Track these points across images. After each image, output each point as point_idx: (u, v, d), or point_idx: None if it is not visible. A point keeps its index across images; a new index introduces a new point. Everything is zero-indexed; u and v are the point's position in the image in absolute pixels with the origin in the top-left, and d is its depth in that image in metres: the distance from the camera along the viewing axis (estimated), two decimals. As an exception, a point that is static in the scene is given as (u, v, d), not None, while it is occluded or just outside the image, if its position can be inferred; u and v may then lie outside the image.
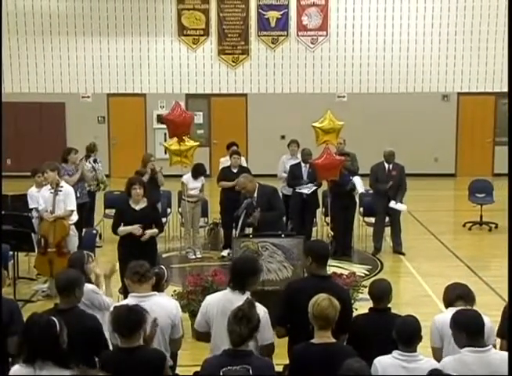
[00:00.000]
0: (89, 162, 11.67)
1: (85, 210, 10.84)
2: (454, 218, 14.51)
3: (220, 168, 11.60)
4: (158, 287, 5.51)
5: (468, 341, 4.49)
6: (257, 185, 8.58)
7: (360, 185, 10.83)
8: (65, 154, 10.88)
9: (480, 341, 4.50)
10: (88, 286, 5.44)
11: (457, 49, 18.45)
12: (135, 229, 7.63)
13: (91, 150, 11.88)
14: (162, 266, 5.92)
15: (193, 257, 11.03)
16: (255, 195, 8.33)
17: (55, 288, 5.13)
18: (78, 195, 10.45)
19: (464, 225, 13.01)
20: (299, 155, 11.43)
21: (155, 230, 7.78)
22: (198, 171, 11.05)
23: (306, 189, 10.88)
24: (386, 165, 11.10)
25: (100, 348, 4.68)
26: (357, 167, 11.37)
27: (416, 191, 14.92)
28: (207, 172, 17.76)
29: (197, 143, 10.80)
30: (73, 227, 8.96)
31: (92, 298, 5.56)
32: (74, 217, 9.08)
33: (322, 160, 10.16)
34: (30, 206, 9.59)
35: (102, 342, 4.80)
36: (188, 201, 10.75)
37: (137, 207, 7.72)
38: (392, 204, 10.91)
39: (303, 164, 11.08)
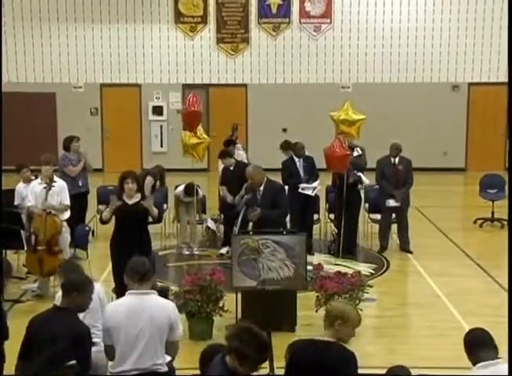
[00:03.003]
0: None
1: (86, 200, 11.19)
2: (464, 215, 14.51)
3: (220, 169, 11.60)
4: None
5: (478, 356, 4.48)
6: (266, 179, 8.60)
7: (365, 179, 10.84)
8: (66, 142, 11.04)
9: (490, 354, 4.49)
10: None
11: (468, 37, 18.43)
12: (115, 204, 7.68)
13: None
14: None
15: (187, 253, 11.06)
16: (261, 188, 8.33)
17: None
18: (81, 184, 10.58)
19: (475, 222, 13.01)
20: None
21: (151, 203, 7.80)
22: (188, 193, 11.08)
23: (310, 190, 10.86)
24: (392, 159, 11.09)
25: (81, 355, 4.71)
26: (365, 162, 11.34)
27: (425, 186, 14.94)
28: (206, 167, 17.87)
29: (208, 140, 10.85)
30: (64, 224, 8.96)
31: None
32: (67, 214, 9.08)
33: (333, 151, 10.25)
34: (15, 202, 9.60)
35: (85, 351, 4.80)
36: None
37: (129, 202, 7.74)
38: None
39: (296, 159, 11.05)
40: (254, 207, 8.51)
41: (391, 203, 11.00)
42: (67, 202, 9.06)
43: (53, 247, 8.72)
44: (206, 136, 10.93)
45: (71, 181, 10.70)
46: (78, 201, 10.58)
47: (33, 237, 8.83)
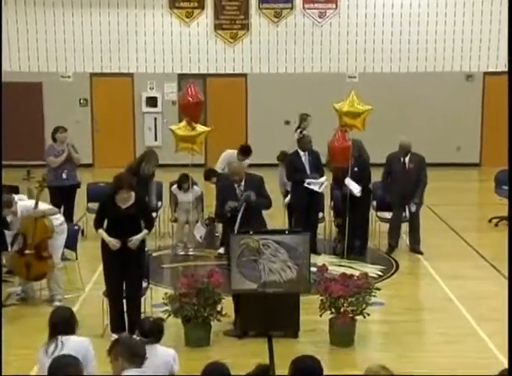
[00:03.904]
0: None
1: (74, 194, 11.42)
2: (478, 213, 14.53)
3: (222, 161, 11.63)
4: None
5: None
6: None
7: (355, 187, 10.72)
8: (53, 133, 11.57)
9: None
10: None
11: (484, 23, 18.39)
12: (113, 243, 7.65)
13: None
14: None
15: (182, 253, 11.07)
16: (242, 183, 8.36)
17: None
18: (65, 176, 10.68)
19: (490, 221, 13.03)
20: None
21: (144, 232, 7.80)
22: (181, 184, 11.14)
23: (317, 186, 10.85)
24: (402, 158, 11.08)
25: None
26: (367, 156, 11.34)
27: (436, 183, 14.90)
28: (203, 162, 17.87)
29: (208, 129, 10.86)
30: (62, 226, 9.00)
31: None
32: (58, 219, 9.07)
33: (333, 143, 10.30)
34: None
35: None
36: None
37: (123, 206, 7.74)
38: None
39: (302, 153, 11.05)
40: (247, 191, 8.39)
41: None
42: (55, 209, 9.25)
43: (42, 251, 8.71)
44: (203, 126, 10.95)
45: (55, 172, 11.18)
46: (63, 194, 10.73)
47: (19, 237, 8.83)
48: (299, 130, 13.56)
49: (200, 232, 10.97)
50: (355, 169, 10.75)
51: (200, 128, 10.63)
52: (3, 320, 7.78)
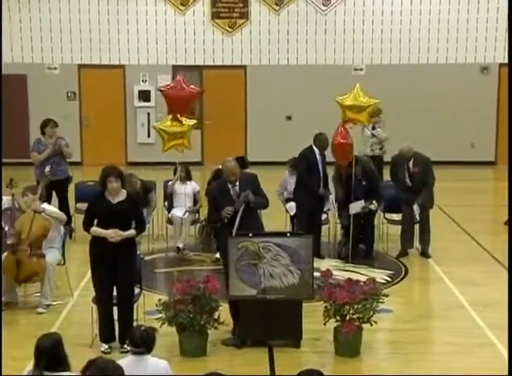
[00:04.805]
0: None
1: (64, 189, 11.80)
2: (493, 215, 14.55)
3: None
4: None
5: None
6: None
7: (356, 209, 10.79)
8: (42, 125, 11.89)
9: None
10: None
11: (500, 10, 18.38)
12: (110, 233, 7.66)
13: None
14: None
15: (175, 254, 11.15)
16: (237, 184, 8.38)
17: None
18: (47, 169, 10.99)
19: (506, 224, 13.04)
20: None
21: (132, 231, 7.81)
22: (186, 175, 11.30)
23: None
24: (405, 163, 11.17)
25: None
26: (376, 175, 11.51)
27: (449, 182, 14.97)
28: (199, 160, 17.90)
29: (195, 122, 10.95)
30: (56, 223, 9.11)
31: None
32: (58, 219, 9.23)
33: (339, 139, 10.40)
34: None
35: None
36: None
37: (114, 200, 7.77)
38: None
39: (317, 151, 11.03)
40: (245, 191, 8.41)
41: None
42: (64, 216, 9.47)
43: (35, 250, 8.77)
44: (189, 120, 11.05)
45: (41, 168, 11.38)
46: (49, 191, 10.89)
47: (8, 232, 8.93)
48: (370, 126, 13.73)
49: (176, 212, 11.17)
50: (363, 183, 10.90)
51: (186, 121, 10.71)
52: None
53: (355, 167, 10.69)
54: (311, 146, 11.06)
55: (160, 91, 11.20)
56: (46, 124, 11.83)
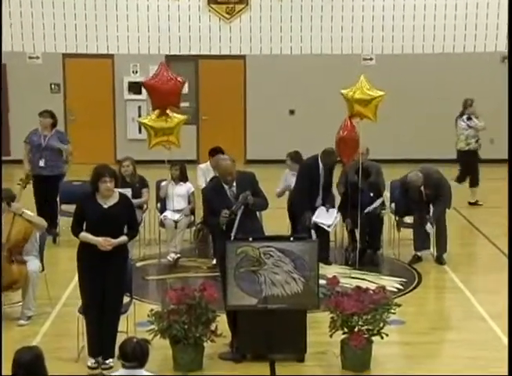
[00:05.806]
0: None
1: (55, 187, 11.82)
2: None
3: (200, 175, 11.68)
4: None
5: None
6: None
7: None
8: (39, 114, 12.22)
9: None
10: None
11: (520, -3, 18.44)
12: (101, 242, 7.64)
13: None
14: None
15: (169, 259, 11.11)
16: (234, 184, 8.38)
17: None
18: (42, 164, 11.28)
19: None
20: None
21: (124, 238, 7.80)
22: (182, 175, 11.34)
23: (329, 220, 10.90)
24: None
25: None
26: (383, 184, 11.55)
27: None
28: (194, 158, 17.91)
29: (185, 117, 10.95)
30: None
31: None
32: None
33: (346, 134, 10.43)
34: None
35: None
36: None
37: (106, 204, 7.75)
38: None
39: (321, 166, 11.04)
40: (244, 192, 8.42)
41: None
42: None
43: (16, 255, 8.74)
44: (178, 115, 11.11)
45: (33, 159, 11.63)
46: (40, 186, 11.14)
47: None
48: (465, 117, 14.34)
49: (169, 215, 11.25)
50: (371, 194, 10.96)
51: (175, 117, 10.73)
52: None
53: (363, 180, 10.74)
54: (316, 157, 11.11)
55: (143, 84, 11.32)
56: (41, 114, 12.13)
